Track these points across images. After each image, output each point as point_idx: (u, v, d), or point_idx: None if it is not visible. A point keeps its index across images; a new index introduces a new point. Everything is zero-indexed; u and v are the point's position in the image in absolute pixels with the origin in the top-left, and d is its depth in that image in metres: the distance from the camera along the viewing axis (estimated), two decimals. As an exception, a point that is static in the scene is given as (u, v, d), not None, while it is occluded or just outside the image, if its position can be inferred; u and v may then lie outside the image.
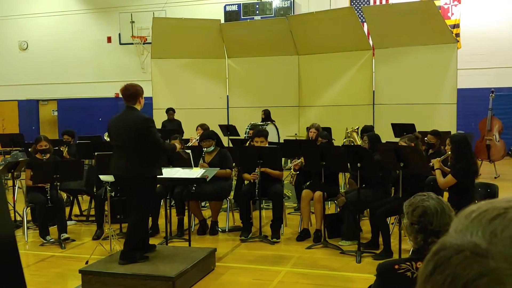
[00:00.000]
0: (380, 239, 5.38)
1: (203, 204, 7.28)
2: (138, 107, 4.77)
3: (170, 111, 11.67)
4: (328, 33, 11.30)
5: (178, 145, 5.26)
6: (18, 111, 18.48)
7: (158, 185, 5.71)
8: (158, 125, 11.38)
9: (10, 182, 8.13)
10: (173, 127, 11.01)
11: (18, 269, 1.69)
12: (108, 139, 7.41)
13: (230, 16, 15.56)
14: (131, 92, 4.72)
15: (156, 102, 12.43)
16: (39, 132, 17.11)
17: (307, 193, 6.12)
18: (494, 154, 10.67)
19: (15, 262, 1.67)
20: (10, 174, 6.97)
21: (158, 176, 4.80)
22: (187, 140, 8.04)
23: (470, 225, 0.47)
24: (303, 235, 6.08)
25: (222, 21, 14.37)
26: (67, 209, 7.12)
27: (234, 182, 7.27)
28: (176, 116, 11.68)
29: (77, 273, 4.60)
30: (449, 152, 5.16)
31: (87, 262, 5.07)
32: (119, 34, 16.98)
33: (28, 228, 6.47)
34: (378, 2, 14.45)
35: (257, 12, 15.46)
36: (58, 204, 6.13)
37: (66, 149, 8.05)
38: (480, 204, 0.51)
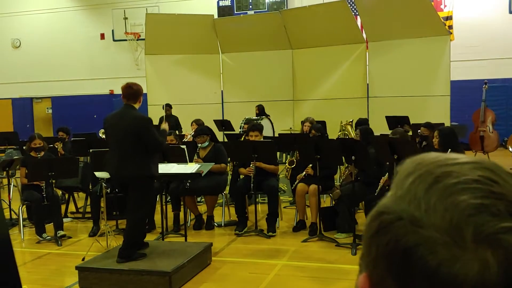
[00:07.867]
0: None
1: (198, 199, 7.30)
2: (137, 106, 4.76)
3: (167, 107, 11.64)
4: (321, 27, 11.30)
5: (164, 126, 5.03)
6: (12, 109, 18.41)
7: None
8: (155, 121, 11.37)
9: (5, 181, 8.11)
10: (170, 122, 10.98)
11: (13, 266, 1.70)
12: (104, 136, 7.41)
13: (223, 11, 15.54)
14: (134, 91, 4.70)
15: (150, 99, 12.40)
16: (33, 130, 17.05)
17: (302, 187, 6.14)
18: (487, 145, 10.72)
19: (10, 260, 1.68)
20: (5, 173, 6.97)
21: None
22: (183, 136, 8.05)
23: (408, 193, 0.52)
24: (299, 226, 6.12)
25: (216, 16, 14.35)
26: (63, 207, 7.13)
27: (229, 177, 7.29)
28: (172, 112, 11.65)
29: (73, 270, 4.62)
30: (436, 145, 5.21)
31: (83, 259, 5.08)
32: (113, 31, 16.92)
33: (24, 226, 6.47)
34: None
35: (250, 6, 15.45)
36: (53, 201, 6.12)
37: (61, 145, 8.04)
38: (418, 161, 0.55)
